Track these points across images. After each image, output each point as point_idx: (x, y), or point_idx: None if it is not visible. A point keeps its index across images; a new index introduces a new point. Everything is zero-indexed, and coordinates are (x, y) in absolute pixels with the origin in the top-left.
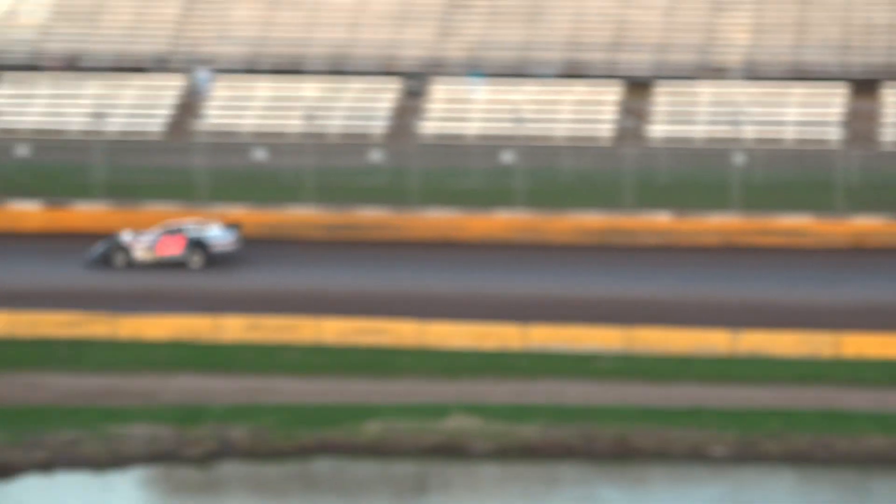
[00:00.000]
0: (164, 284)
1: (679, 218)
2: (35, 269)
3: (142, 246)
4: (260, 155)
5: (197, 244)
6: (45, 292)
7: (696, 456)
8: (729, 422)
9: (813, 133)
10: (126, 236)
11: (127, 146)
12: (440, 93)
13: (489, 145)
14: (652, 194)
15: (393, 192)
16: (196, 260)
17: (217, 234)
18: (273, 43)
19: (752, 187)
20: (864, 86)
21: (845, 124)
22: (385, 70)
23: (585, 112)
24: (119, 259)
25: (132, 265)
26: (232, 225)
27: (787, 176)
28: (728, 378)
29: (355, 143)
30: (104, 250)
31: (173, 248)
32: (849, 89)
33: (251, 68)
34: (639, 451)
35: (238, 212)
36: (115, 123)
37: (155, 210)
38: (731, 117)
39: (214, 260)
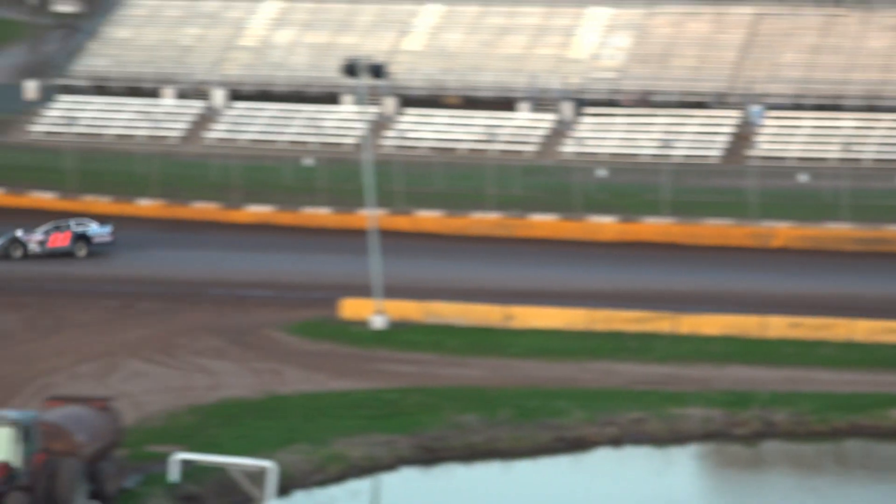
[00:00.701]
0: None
1: None
2: (611, 274)
3: (35, 240)
4: (803, 178)
5: (81, 237)
6: (618, 293)
7: None
8: None
9: None
10: (19, 233)
11: (689, 169)
12: None
13: None
14: None
15: None
16: (81, 251)
17: (97, 230)
18: (816, 82)
19: None
20: None
21: None
22: None
23: None
24: (17, 252)
25: (28, 256)
26: (106, 222)
27: None
28: None
29: (887, 168)
30: (2, 244)
31: (62, 241)
32: None
33: (797, 104)
34: None
35: (781, 227)
36: (680, 150)
37: (712, 225)
38: None
39: (95, 250)
